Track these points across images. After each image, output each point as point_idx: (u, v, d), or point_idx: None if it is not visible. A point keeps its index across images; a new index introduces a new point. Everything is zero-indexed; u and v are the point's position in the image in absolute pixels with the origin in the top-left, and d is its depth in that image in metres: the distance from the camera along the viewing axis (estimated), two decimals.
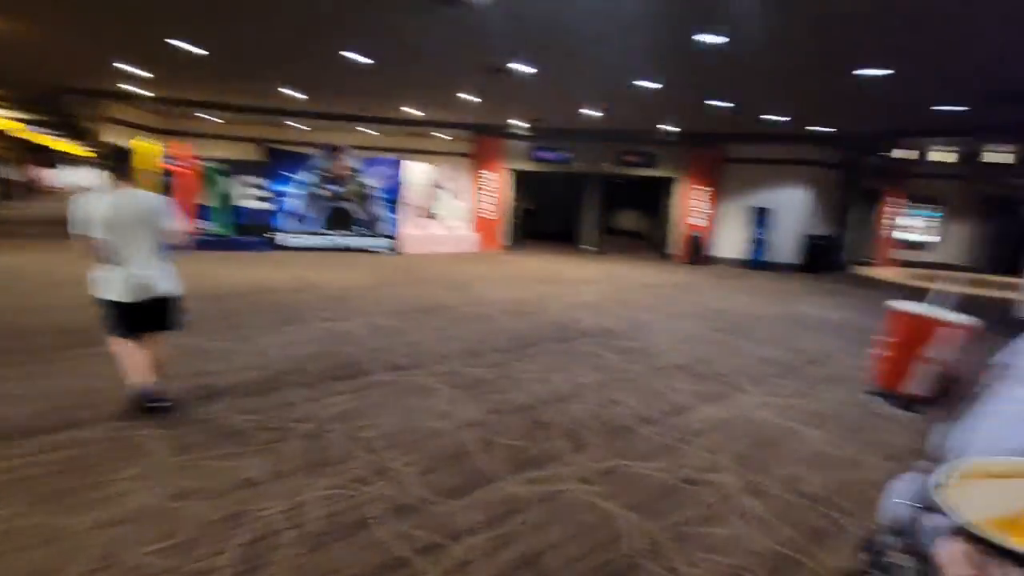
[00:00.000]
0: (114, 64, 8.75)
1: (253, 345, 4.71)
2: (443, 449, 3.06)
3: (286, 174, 11.58)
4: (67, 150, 25.57)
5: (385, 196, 12.06)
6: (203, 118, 14.28)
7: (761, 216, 13.11)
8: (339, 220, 11.93)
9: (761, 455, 3.24)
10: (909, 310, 0.90)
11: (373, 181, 11.96)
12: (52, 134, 22.16)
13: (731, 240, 13.71)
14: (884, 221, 15.90)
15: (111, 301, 3.09)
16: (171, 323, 3.34)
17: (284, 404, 3.52)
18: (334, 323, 5.66)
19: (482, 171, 14.28)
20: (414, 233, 12.63)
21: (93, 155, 18.83)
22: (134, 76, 9.57)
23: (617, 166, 14.26)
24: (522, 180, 14.94)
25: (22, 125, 18.52)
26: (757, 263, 13.13)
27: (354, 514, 2.39)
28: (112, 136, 11.98)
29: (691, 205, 13.73)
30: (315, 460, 2.83)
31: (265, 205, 11.71)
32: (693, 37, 5.66)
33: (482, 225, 14.38)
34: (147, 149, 11.00)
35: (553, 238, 17.53)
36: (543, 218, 18.67)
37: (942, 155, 13.51)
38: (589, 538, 2.34)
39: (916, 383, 0.89)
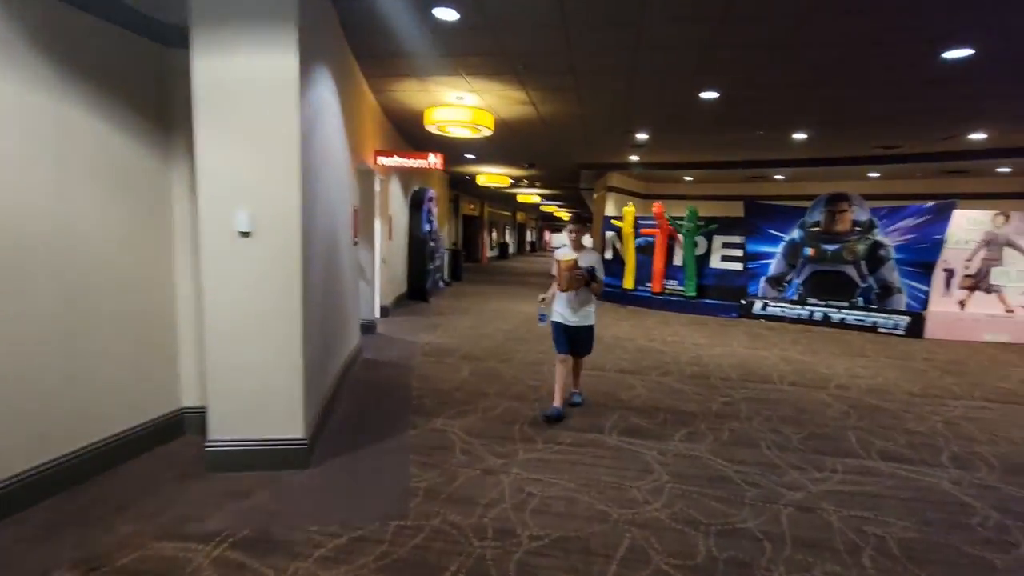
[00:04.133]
0: (629, 133, 9.18)
1: (790, 488, 3.13)
2: None
3: (770, 231, 10.04)
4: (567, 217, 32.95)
5: (907, 257, 8.78)
6: (678, 180, 14.54)
7: None
8: (828, 287, 9.43)
9: None
10: None
11: (889, 239, 8.92)
12: (559, 205, 28.50)
13: None
14: None
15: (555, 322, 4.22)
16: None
17: None
18: (906, 468, 3.48)
19: None
20: (947, 311, 8.73)
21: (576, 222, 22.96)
22: (637, 145, 10.07)
23: None
24: None
25: (539, 198, 24.18)
26: None
27: None
28: (610, 203, 13.46)
29: None
30: None
31: (736, 266, 10.51)
32: None
33: None
34: (629, 213, 11.72)
35: None
36: None
37: None
38: None
39: None
